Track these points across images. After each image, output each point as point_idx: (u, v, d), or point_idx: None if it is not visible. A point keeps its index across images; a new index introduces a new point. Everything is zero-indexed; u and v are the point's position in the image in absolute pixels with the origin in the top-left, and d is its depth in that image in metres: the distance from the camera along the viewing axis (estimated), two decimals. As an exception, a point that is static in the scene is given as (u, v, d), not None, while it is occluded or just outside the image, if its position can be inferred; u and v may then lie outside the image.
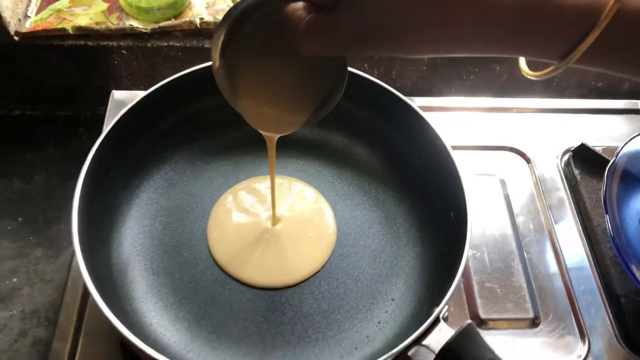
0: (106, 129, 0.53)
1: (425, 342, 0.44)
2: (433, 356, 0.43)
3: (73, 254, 0.59)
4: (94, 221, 0.51)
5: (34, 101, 0.87)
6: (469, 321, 0.44)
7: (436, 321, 0.45)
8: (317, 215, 0.60)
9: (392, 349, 0.44)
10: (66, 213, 0.75)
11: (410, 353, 0.44)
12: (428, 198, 0.59)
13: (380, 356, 0.43)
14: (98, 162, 0.51)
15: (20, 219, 0.78)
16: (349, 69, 0.58)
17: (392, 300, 0.55)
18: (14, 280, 0.72)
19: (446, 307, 0.46)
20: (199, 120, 0.62)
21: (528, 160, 0.71)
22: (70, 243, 0.61)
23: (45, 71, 0.83)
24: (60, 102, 0.87)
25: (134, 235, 0.57)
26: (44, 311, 0.70)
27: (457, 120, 0.74)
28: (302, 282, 0.55)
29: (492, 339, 0.52)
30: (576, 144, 0.71)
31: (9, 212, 0.79)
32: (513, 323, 0.57)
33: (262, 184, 0.63)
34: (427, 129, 0.56)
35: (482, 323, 0.57)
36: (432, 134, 0.55)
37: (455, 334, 0.42)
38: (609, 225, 0.58)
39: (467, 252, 0.49)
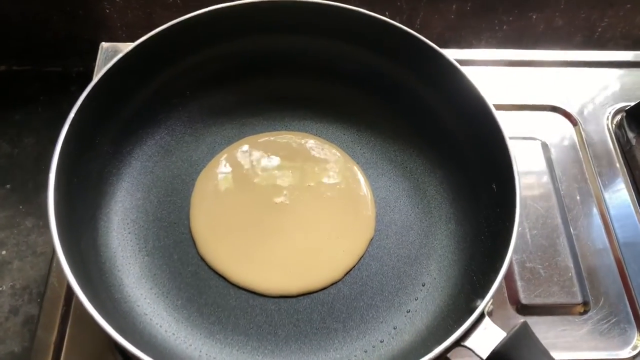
0: (90, 85, 0.47)
1: (468, 343, 0.37)
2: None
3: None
4: (77, 195, 0.46)
5: (21, 55, 0.81)
6: (523, 320, 0.37)
7: (479, 317, 0.38)
8: (349, 193, 0.53)
9: (426, 348, 0.37)
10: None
11: (449, 354, 0.38)
12: (464, 166, 0.53)
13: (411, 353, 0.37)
14: (80, 125, 0.46)
15: (8, 185, 0.72)
16: (372, 13, 0.53)
17: (423, 285, 0.49)
18: (3, 252, 0.67)
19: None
20: (199, 74, 0.56)
21: (574, 122, 0.64)
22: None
23: (32, 21, 0.77)
24: (50, 56, 0.81)
25: (125, 210, 0.51)
26: (35, 286, 0.64)
27: (491, 76, 0.67)
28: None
29: (535, 328, 0.48)
30: (629, 103, 0.63)
31: (-5, 178, 0.72)
32: (558, 309, 0.52)
33: (264, 144, 0.55)
34: (464, 84, 0.50)
35: (523, 309, 0.52)
36: (470, 90, 0.49)
37: (507, 337, 0.35)
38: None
39: (516, 232, 0.42)
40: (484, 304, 0.38)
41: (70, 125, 0.45)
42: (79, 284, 0.38)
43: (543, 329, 0.51)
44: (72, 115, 0.45)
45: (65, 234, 0.41)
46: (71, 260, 0.40)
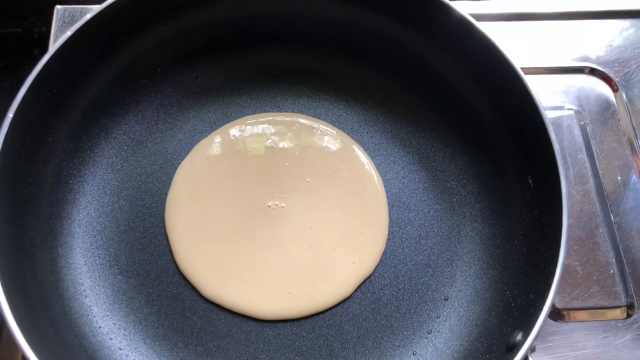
0: (39, 65, 0.41)
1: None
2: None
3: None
4: (27, 209, 0.40)
5: (-29, 17, 0.78)
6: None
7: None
8: (356, 189, 0.47)
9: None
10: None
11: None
12: (492, 151, 0.48)
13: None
14: (28, 118, 0.40)
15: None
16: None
17: (446, 299, 0.45)
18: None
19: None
20: (174, 47, 0.50)
21: (614, 87, 0.59)
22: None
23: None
24: (6, 16, 0.76)
25: (91, 220, 0.45)
26: None
27: (512, 33, 0.61)
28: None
29: (571, 336, 0.46)
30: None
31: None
32: (599, 314, 0.49)
33: (252, 130, 0.49)
34: (484, 45, 0.44)
35: (557, 315, 0.48)
36: (492, 52, 0.44)
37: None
38: None
39: (566, 240, 0.37)
40: (528, 344, 0.32)
41: (12, 124, 0.38)
42: (27, 338, 0.31)
43: (581, 337, 0.47)
44: (11, 115, 0.38)
45: (12, 264, 0.35)
46: (20, 300, 0.34)
